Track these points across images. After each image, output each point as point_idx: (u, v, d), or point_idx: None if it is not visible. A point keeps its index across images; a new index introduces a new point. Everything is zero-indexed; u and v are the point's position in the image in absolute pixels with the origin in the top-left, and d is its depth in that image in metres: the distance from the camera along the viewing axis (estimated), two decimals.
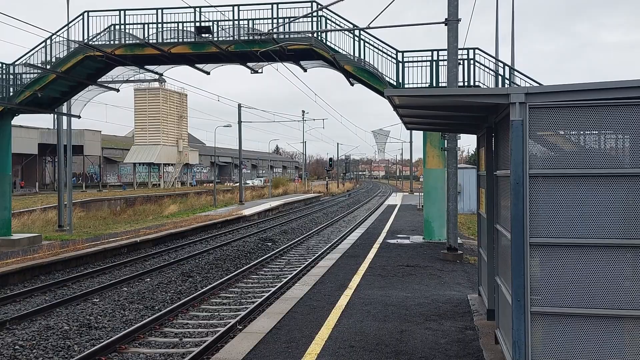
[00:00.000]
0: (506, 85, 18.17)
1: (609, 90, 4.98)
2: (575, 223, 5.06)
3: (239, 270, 16.58)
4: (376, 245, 18.16)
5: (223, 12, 19.75)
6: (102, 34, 20.17)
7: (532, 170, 5.15)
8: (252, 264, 17.82)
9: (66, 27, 20.47)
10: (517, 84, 18.34)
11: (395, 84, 18.62)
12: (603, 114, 5.02)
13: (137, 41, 19.93)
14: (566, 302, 5.04)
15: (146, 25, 20.02)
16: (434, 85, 18.49)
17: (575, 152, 5.21)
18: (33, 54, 20.49)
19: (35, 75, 20.62)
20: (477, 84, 18.16)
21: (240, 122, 47.89)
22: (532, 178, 5.15)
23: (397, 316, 9.10)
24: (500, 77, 18.51)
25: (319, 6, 18.64)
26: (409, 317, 9.06)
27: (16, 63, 20.83)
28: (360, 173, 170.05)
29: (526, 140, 5.11)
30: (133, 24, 20.12)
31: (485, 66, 18.34)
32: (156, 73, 24.14)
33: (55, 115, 27.22)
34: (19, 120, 28.89)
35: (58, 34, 20.46)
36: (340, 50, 19.01)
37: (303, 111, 70.75)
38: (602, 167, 5.05)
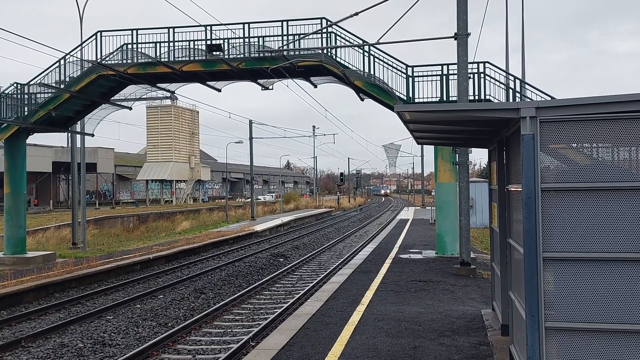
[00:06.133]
0: (517, 99, 18.13)
1: (620, 103, 4.95)
2: (589, 237, 5.03)
3: (251, 287, 16.57)
4: (388, 261, 18.08)
5: (234, 30, 19.97)
6: (115, 53, 20.43)
7: (544, 184, 5.13)
8: (264, 280, 17.80)
9: (80, 47, 20.77)
10: (528, 97, 18.29)
11: (405, 98, 18.66)
12: (615, 127, 4.99)
13: (150, 60, 20.18)
14: (581, 317, 4.99)
15: (158, 44, 20.27)
16: (445, 99, 18.50)
17: (588, 165, 5.19)
18: (47, 73, 20.78)
19: (50, 94, 20.90)
20: (487, 97, 18.13)
21: (251, 138, 48.19)
22: (544, 192, 5.12)
23: (410, 332, 9.04)
24: (511, 91, 18.47)
25: (329, 22, 18.78)
26: (422, 332, 8.99)
27: (30, 83, 21.14)
28: (372, 187, 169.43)
29: (537, 154, 5.10)
30: (145, 42, 20.37)
31: (496, 80, 18.34)
32: (168, 91, 24.38)
33: (69, 134, 27.54)
34: (33, 139, 29.38)
35: (72, 53, 20.77)
36: (350, 66, 19.09)
37: (314, 126, 71.18)
38: (615, 181, 5.02)
